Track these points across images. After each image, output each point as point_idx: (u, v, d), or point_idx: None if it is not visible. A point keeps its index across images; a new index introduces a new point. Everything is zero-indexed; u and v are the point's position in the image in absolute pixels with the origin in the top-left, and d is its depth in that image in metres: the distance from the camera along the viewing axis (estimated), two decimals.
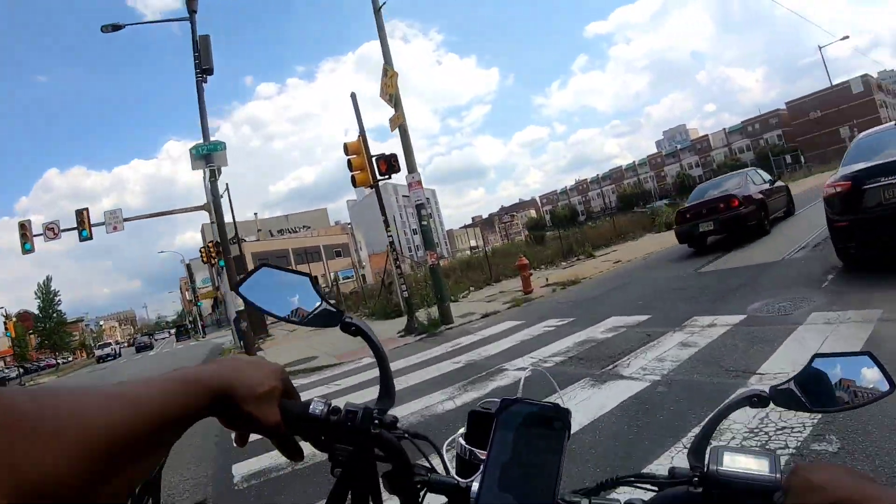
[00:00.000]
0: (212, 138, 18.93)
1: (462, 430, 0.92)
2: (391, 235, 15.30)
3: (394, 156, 14.56)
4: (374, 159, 14.42)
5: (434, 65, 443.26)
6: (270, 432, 0.71)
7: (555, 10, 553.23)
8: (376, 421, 0.78)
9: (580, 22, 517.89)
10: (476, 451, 0.86)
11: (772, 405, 0.82)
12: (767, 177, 16.82)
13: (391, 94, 14.85)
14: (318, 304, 0.87)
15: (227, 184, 39.36)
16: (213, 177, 19.43)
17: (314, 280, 0.89)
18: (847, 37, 45.74)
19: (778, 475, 0.69)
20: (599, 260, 19.91)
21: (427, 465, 0.85)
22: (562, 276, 16.74)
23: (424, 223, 14.68)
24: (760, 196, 14.66)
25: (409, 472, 0.81)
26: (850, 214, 7.22)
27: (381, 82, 15.19)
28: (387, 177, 14.51)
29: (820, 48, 45.99)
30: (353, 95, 15.38)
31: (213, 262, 24.58)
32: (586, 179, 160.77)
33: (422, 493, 0.83)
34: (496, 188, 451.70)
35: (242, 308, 20.94)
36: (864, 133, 9.08)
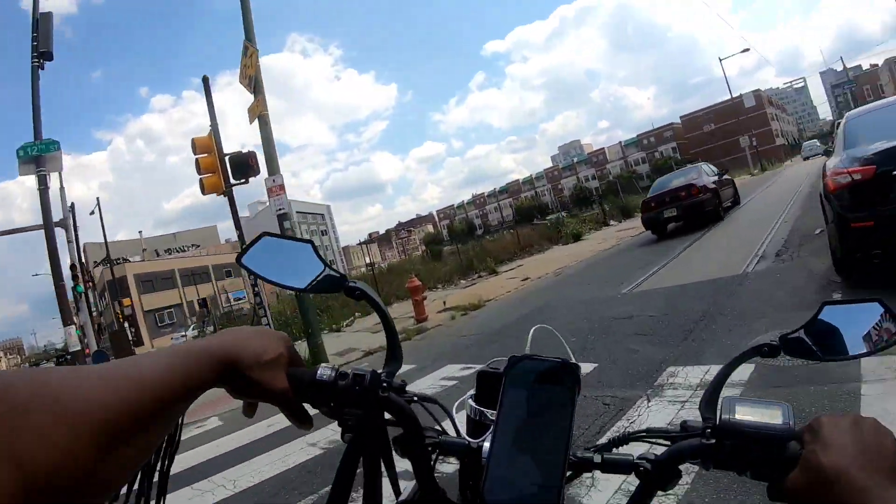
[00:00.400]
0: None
1: (471, 392, 0.92)
2: None
3: (252, 154, 12.00)
4: (227, 159, 11.80)
5: (333, 80, 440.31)
6: (278, 399, 0.72)
7: (455, 29, 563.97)
8: (384, 384, 0.78)
9: (479, 40, 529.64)
10: (486, 411, 0.86)
11: (782, 355, 0.80)
12: (716, 170, 18.86)
13: (251, 77, 12.22)
14: (321, 270, 0.86)
15: (97, 198, 35.72)
16: (43, 184, 15.98)
17: (315, 246, 0.88)
18: (748, 49, 47.98)
19: (791, 423, 0.68)
20: (504, 277, 17.63)
21: (438, 427, 0.85)
22: (462, 299, 14.23)
23: None
24: (714, 186, 16.58)
25: (419, 436, 0.80)
26: (875, 210, 5.26)
27: (240, 63, 12.50)
28: (242, 181, 11.92)
29: (721, 60, 47.29)
30: (205, 80, 12.83)
31: (87, 285, 21.18)
32: (483, 193, 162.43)
33: (434, 456, 0.83)
34: (394, 204, 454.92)
35: (78, 349, 17.70)
36: (856, 111, 7.46)
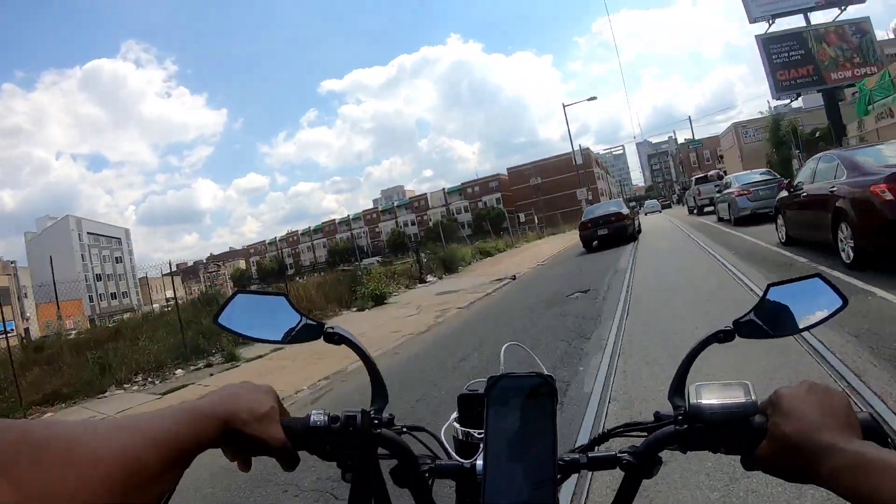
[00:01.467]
0: None
1: (454, 415, 0.98)
2: None
3: None
4: None
5: (163, 96, 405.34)
6: (277, 452, 0.74)
7: (295, 62, 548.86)
8: (376, 421, 0.83)
9: (317, 77, 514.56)
10: (472, 431, 0.93)
11: (738, 338, 0.88)
12: (625, 204, 26.11)
13: None
14: (298, 320, 0.92)
15: None
16: None
17: (289, 298, 0.94)
18: (595, 97, 48.87)
19: (754, 398, 0.74)
20: (239, 374, 10.02)
21: (430, 453, 0.90)
22: None
23: None
24: (630, 215, 22.92)
25: (415, 464, 0.85)
26: None
27: None
28: None
29: (564, 106, 46.31)
30: None
31: None
32: (297, 231, 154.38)
33: (430, 481, 0.88)
34: (211, 235, 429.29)
35: None
36: None
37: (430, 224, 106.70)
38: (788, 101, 40.64)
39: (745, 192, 18.58)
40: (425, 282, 20.88)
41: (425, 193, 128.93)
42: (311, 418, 0.79)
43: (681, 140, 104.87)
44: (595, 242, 21.34)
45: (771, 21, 37.35)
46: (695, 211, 34.43)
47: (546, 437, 0.76)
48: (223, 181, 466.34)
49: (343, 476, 0.82)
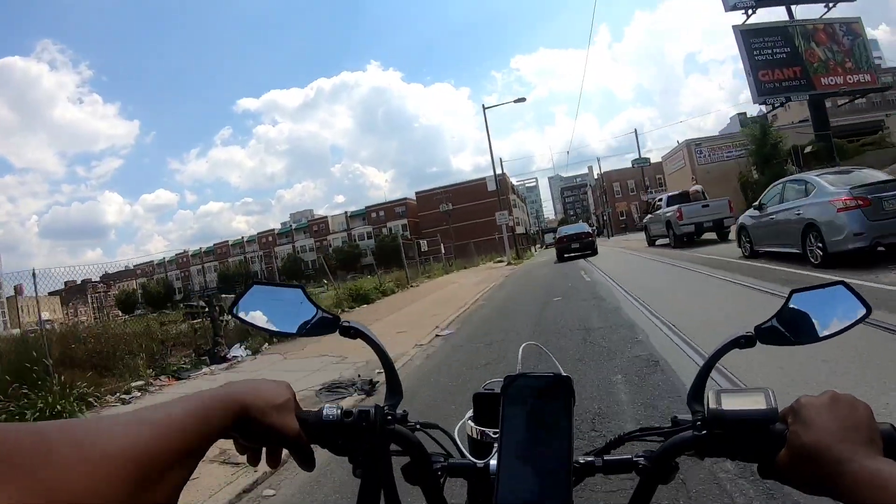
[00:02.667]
0: None
1: (469, 414, 0.97)
2: None
3: None
4: None
5: (75, 102, 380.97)
6: (291, 442, 0.74)
7: (213, 78, 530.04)
8: (389, 417, 0.82)
9: (233, 95, 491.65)
10: (487, 430, 0.91)
11: (759, 344, 0.85)
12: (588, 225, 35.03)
13: None
14: (314, 312, 0.90)
15: None
16: None
17: (306, 290, 0.92)
18: (524, 99, 43.16)
19: (774, 406, 0.71)
20: None
21: (443, 451, 0.89)
22: None
23: None
24: (594, 234, 30.61)
25: (427, 462, 0.84)
26: None
27: None
28: None
29: (485, 108, 40.58)
30: None
31: None
32: (187, 252, 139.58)
33: (442, 480, 0.87)
34: (115, 251, 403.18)
35: None
36: None
37: (331, 250, 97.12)
38: (768, 106, 33.06)
39: (862, 201, 9.26)
40: (225, 360, 10.43)
41: (326, 217, 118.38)
42: (324, 412, 0.78)
43: (596, 174, 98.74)
44: (568, 254, 27.62)
45: (751, 11, 30.29)
46: (656, 241, 25.33)
47: (562, 438, 0.75)
48: (131, 196, 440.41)
49: (354, 472, 0.80)
